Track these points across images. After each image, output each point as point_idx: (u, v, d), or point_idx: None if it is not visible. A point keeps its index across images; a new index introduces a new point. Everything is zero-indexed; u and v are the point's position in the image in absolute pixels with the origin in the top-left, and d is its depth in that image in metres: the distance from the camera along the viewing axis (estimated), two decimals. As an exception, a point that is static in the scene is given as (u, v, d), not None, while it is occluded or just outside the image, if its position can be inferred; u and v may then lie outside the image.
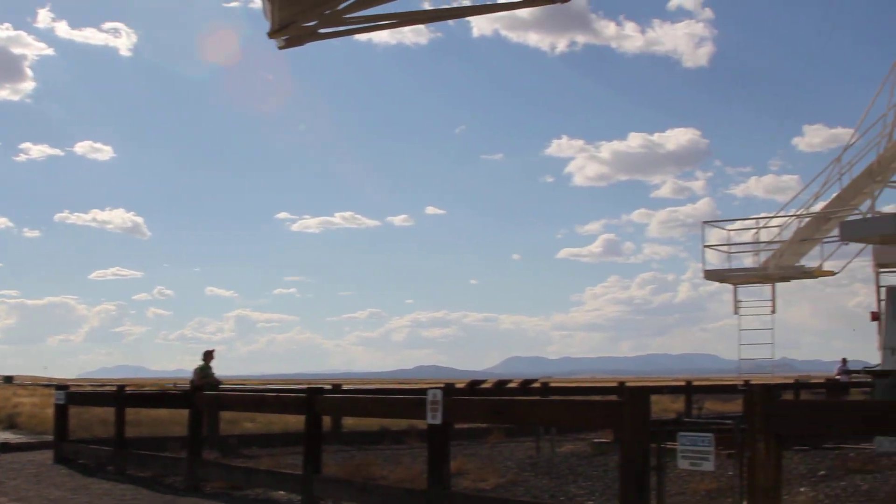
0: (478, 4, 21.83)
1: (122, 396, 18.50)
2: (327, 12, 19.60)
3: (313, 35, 19.85)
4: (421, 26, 21.85)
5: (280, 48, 19.66)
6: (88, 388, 51.03)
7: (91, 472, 16.98)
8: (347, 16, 19.88)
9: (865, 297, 20.36)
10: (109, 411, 19.09)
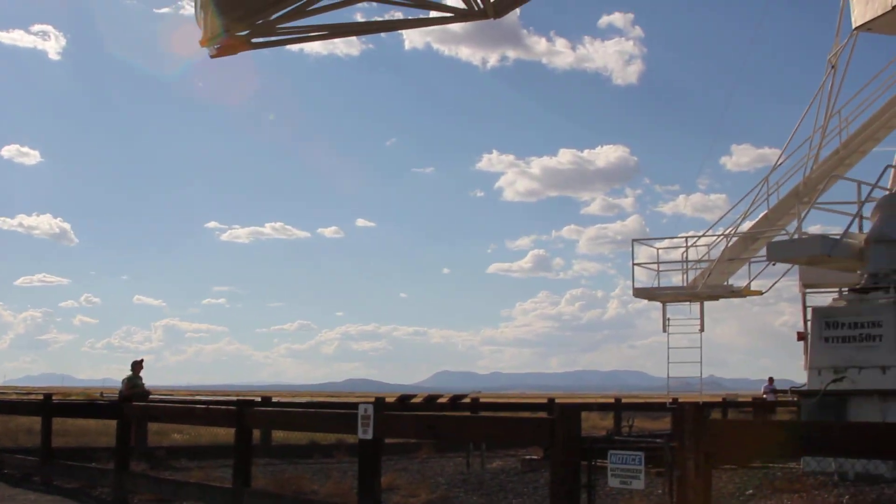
0: (409, 18, 21.96)
1: (49, 406, 18.06)
2: (259, 22, 19.55)
3: (245, 44, 19.77)
4: (353, 38, 21.81)
5: (212, 56, 19.55)
6: (14, 396, 49.95)
7: (17, 483, 16.57)
8: (280, 26, 19.85)
9: (792, 316, 20.82)
10: (35, 420, 18.63)
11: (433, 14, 21.21)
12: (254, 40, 19.95)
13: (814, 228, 20.47)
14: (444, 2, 21.45)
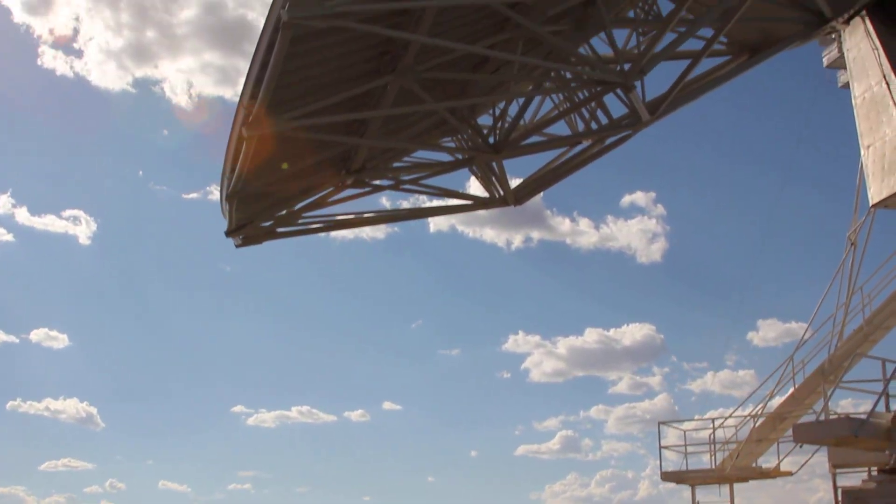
0: (433, 206, 22.61)
1: None
2: (283, 212, 20.22)
3: (270, 234, 20.41)
4: (377, 223, 22.42)
5: (237, 246, 20.15)
6: None
7: None
8: (305, 215, 20.49)
9: (826, 493, 20.15)
10: None
11: (456, 202, 21.80)
12: (279, 230, 20.60)
13: (843, 404, 20.09)
14: (466, 190, 22.13)
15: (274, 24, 12.36)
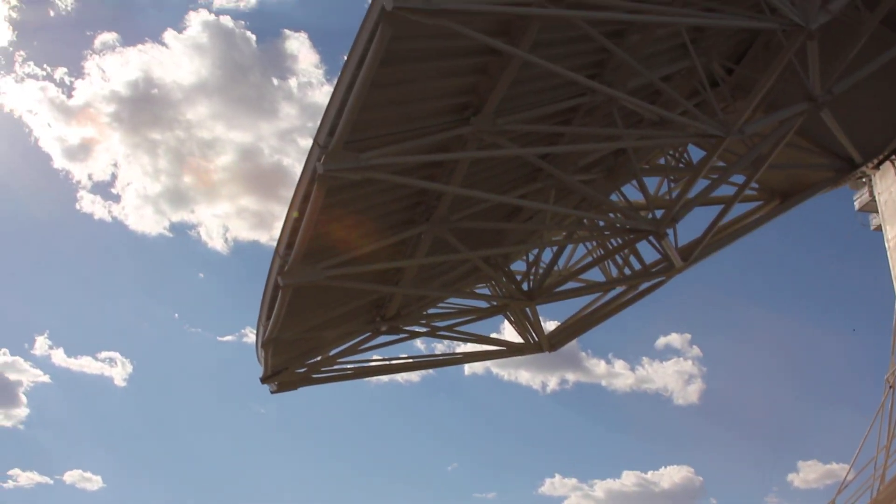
0: (468, 352, 22.57)
1: None
2: (318, 358, 20.26)
3: (305, 380, 20.41)
4: (412, 365, 22.39)
5: (272, 392, 20.15)
6: None
7: None
8: (340, 360, 20.51)
9: None
10: None
11: (491, 348, 21.79)
12: (314, 376, 20.61)
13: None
14: (501, 332, 22.13)
15: (310, 177, 12.66)
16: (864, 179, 22.36)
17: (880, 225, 21.07)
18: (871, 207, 26.45)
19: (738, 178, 18.48)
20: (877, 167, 20.05)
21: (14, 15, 55.52)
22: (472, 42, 12.04)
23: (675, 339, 70.41)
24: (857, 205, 29.21)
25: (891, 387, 20.93)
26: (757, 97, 15.05)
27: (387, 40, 10.88)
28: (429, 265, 18.54)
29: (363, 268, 15.83)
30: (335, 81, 11.88)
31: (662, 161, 19.95)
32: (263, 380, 19.49)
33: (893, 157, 19.63)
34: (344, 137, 11.97)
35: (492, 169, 16.28)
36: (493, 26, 12.54)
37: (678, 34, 15.47)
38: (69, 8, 60.26)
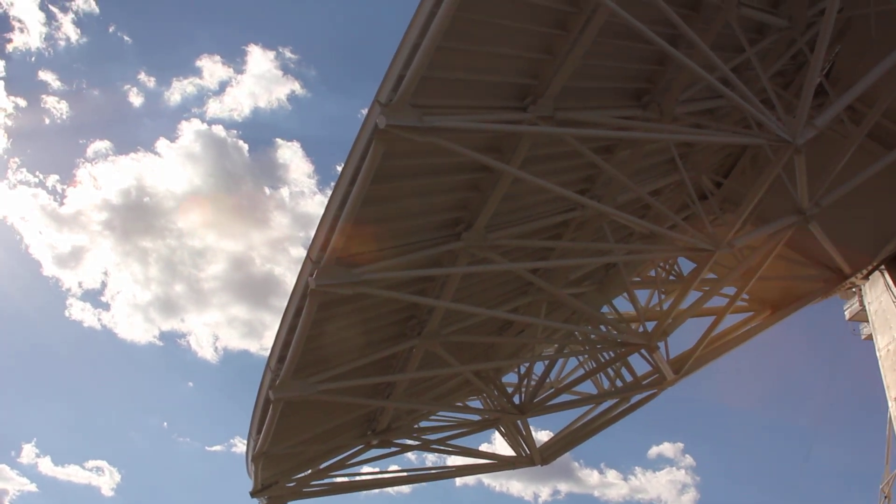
0: (459, 466, 22.30)
1: None
2: (309, 472, 20.00)
3: (296, 494, 20.10)
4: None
5: (261, 506, 19.83)
6: None
7: None
8: (332, 473, 20.25)
9: None
10: None
11: (482, 461, 21.56)
12: (304, 489, 20.32)
13: None
14: (492, 443, 21.90)
15: (302, 291, 12.70)
16: (854, 290, 22.47)
17: (871, 334, 21.08)
18: (861, 317, 26.57)
19: (729, 290, 18.57)
20: (866, 277, 20.17)
21: (9, 122, 56.31)
22: (463, 158, 12.20)
23: (667, 448, 69.91)
24: (847, 314, 29.33)
25: (886, 496, 20.71)
26: (746, 211, 15.21)
27: (379, 157, 11.04)
28: (420, 378, 18.45)
29: (355, 382, 15.74)
30: (327, 191, 12.04)
31: (653, 273, 20.05)
32: (253, 493, 19.21)
33: (882, 267, 19.76)
34: (336, 253, 12.06)
35: (483, 283, 16.33)
36: (484, 143, 12.73)
37: (667, 149, 15.71)
38: (64, 116, 61.08)
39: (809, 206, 15.80)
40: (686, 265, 19.37)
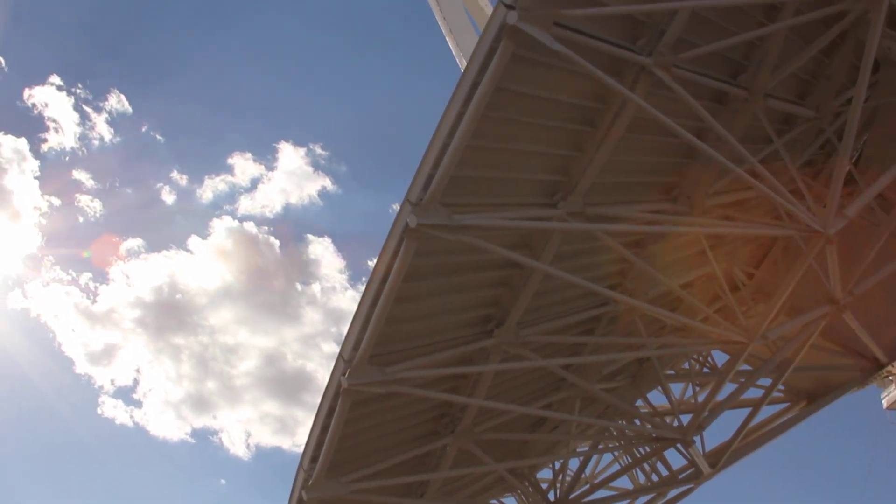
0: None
1: None
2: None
3: None
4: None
5: None
6: None
7: None
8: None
9: None
10: None
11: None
12: None
13: None
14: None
15: (334, 391, 12.66)
16: (891, 378, 22.13)
17: (911, 425, 20.72)
18: (899, 407, 26.04)
19: (765, 381, 18.31)
20: (902, 365, 19.87)
21: (43, 221, 57.19)
22: (494, 255, 12.23)
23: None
24: (885, 403, 28.76)
25: None
26: (779, 302, 15.09)
27: (411, 256, 11.08)
28: (454, 477, 18.21)
29: (388, 481, 15.55)
30: (358, 286, 12.11)
31: (687, 366, 19.84)
32: None
33: (919, 355, 19.48)
34: (368, 352, 12.05)
35: (516, 379, 16.20)
36: (514, 239, 12.76)
37: (698, 242, 15.67)
38: (97, 214, 61.97)
39: (843, 295, 15.66)
40: (720, 357, 19.16)
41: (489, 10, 20.31)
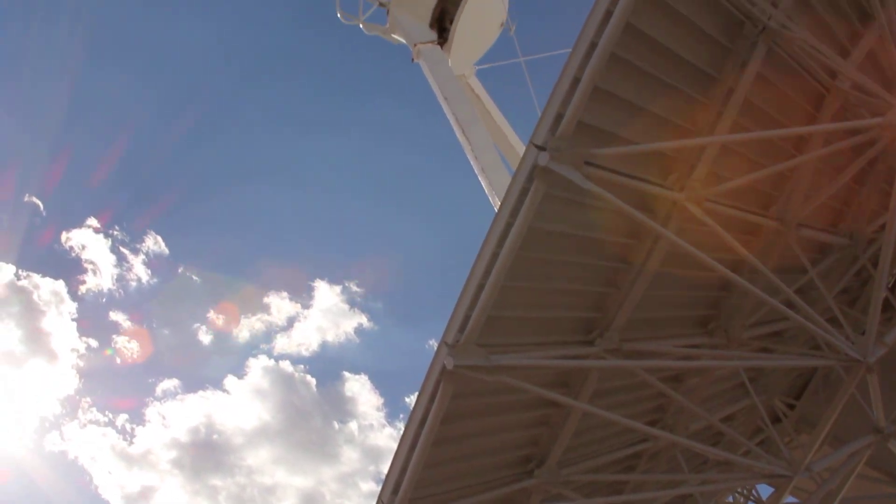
0: None
1: None
2: None
3: None
4: None
5: None
6: None
7: None
8: None
9: None
10: None
11: None
12: None
13: None
14: None
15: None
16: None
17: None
18: None
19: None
20: None
21: (80, 363, 57.44)
22: (532, 395, 12.09)
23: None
24: None
25: None
26: (822, 433, 14.80)
27: (448, 398, 10.98)
28: None
29: None
30: (396, 423, 11.98)
31: (731, 500, 19.35)
32: None
33: None
34: (408, 496, 11.82)
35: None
36: (552, 378, 12.65)
37: (736, 374, 15.48)
38: (134, 355, 62.19)
39: (887, 424, 15.35)
40: (764, 489, 18.69)
41: (520, 147, 20.74)
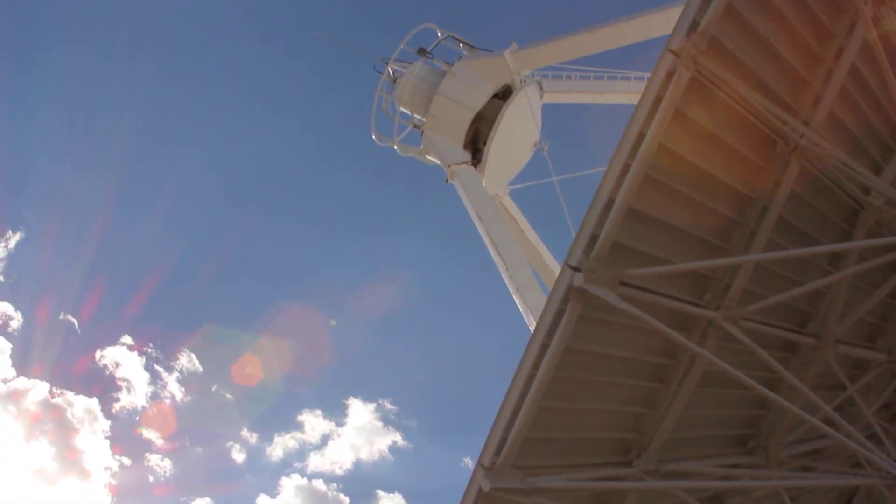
0: None
1: None
2: None
3: None
4: None
5: None
6: None
7: None
8: None
9: None
10: None
11: None
12: None
13: None
14: None
15: None
16: None
17: None
18: None
19: None
20: None
21: (113, 481, 57.05)
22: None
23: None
24: None
25: None
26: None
27: (484, 520, 10.77)
28: None
29: None
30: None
31: None
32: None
33: None
34: None
35: None
36: (589, 500, 12.37)
37: (777, 493, 15.11)
38: (167, 473, 61.74)
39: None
40: None
41: (554, 266, 20.73)
